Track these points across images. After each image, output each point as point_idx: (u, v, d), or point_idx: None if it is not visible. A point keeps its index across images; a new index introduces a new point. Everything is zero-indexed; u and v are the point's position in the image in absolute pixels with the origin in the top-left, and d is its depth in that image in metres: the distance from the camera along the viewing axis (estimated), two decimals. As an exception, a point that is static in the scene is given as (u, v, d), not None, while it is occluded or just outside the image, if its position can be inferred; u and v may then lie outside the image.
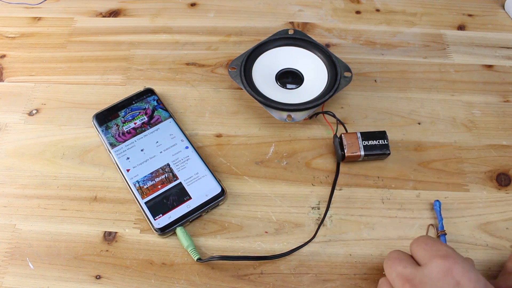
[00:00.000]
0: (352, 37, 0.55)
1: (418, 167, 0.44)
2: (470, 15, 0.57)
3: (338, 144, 0.43)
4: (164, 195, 0.41)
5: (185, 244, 0.39)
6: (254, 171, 0.44)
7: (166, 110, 0.47)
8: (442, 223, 0.40)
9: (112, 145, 0.45)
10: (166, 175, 0.43)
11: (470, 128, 0.47)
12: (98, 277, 0.39)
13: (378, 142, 0.43)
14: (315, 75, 0.48)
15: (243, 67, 0.47)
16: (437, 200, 0.41)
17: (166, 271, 0.39)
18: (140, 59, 0.53)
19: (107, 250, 0.40)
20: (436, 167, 0.44)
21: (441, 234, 0.39)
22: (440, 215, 0.40)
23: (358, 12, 0.57)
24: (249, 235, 0.41)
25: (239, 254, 0.40)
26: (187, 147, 0.44)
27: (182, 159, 0.44)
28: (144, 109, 0.47)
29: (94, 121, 0.47)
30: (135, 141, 0.45)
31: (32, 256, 0.40)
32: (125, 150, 0.44)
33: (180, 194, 0.41)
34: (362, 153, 0.43)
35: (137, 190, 0.42)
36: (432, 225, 0.41)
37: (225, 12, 0.57)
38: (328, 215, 0.42)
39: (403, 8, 0.58)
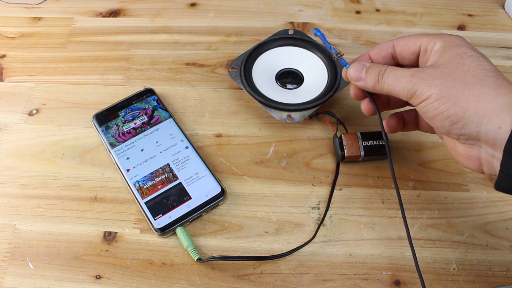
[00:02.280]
0: (352, 37, 0.55)
1: (418, 167, 0.44)
2: (470, 15, 0.57)
3: (338, 144, 0.43)
4: (164, 195, 0.41)
5: (185, 244, 0.39)
6: (254, 171, 0.44)
7: (166, 110, 0.47)
8: (332, 47, 0.39)
9: (112, 145, 0.45)
10: (166, 175, 0.43)
11: (470, 128, 0.47)
12: (98, 277, 0.39)
13: (378, 142, 0.43)
14: (315, 75, 0.48)
15: (243, 67, 0.47)
16: (314, 28, 0.39)
17: (166, 271, 0.39)
18: (140, 59, 0.53)
19: (107, 250, 0.40)
20: (436, 167, 0.44)
21: (340, 57, 0.38)
22: (326, 40, 0.39)
23: (358, 12, 0.57)
24: (249, 235, 0.41)
25: (239, 254, 0.40)
26: (187, 147, 0.44)
27: (182, 159, 0.44)
28: (144, 109, 0.47)
29: (94, 121, 0.47)
30: (135, 141, 0.45)
31: (32, 256, 0.40)
32: (125, 150, 0.44)
33: (180, 194, 0.41)
34: (362, 153, 0.43)
35: (137, 190, 0.42)
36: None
37: (225, 12, 0.57)
38: (328, 215, 0.42)
39: (403, 8, 0.58)
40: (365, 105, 0.39)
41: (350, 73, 0.37)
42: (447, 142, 0.35)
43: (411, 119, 0.39)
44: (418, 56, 0.36)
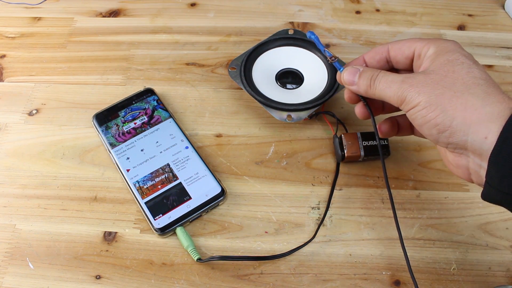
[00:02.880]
0: (352, 37, 0.55)
1: (418, 167, 0.44)
2: (470, 15, 0.57)
3: (338, 144, 0.43)
4: (164, 195, 0.41)
5: (185, 244, 0.39)
6: (254, 171, 0.44)
7: (166, 110, 0.47)
8: (326, 50, 0.39)
9: (112, 145, 0.45)
10: (166, 175, 0.43)
11: (470, 128, 0.47)
12: (98, 277, 0.39)
13: (378, 142, 0.43)
14: (315, 75, 0.48)
15: (243, 67, 0.47)
16: (309, 31, 0.40)
17: (166, 271, 0.39)
18: (140, 59, 0.53)
19: (107, 250, 0.40)
20: (436, 167, 0.44)
21: (334, 61, 0.38)
22: (321, 43, 0.40)
23: (358, 12, 0.57)
24: (249, 235, 0.41)
25: (239, 254, 0.40)
26: (187, 147, 0.44)
27: (182, 159, 0.44)
28: (144, 109, 0.47)
29: (94, 121, 0.47)
30: (135, 141, 0.45)
31: (32, 256, 0.40)
32: (125, 150, 0.44)
33: (180, 194, 0.41)
34: (362, 153, 0.43)
35: (137, 190, 0.42)
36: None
37: (225, 12, 0.57)
38: (328, 215, 0.42)
39: (403, 8, 0.58)
40: (359, 109, 0.38)
41: (343, 77, 0.37)
42: (439, 149, 0.35)
43: (405, 124, 0.39)
44: (412, 60, 0.35)
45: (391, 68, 0.38)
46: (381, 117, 0.41)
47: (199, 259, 0.38)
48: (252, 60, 0.48)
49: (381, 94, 0.34)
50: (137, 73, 0.52)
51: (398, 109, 0.39)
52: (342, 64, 0.39)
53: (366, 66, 0.37)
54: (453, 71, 0.31)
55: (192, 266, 0.39)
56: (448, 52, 0.32)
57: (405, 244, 0.40)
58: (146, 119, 0.46)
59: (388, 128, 0.39)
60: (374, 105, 0.39)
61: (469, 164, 0.31)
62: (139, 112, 0.47)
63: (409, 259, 0.39)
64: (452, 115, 0.30)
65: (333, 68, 0.47)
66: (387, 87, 0.33)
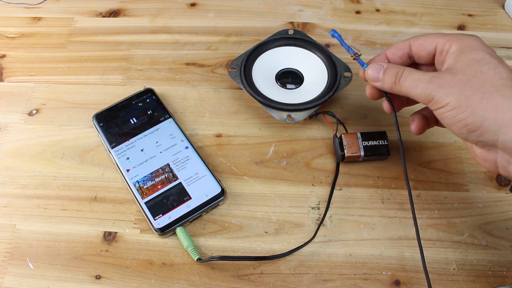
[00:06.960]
0: (352, 37, 0.55)
1: (418, 167, 0.44)
2: (470, 15, 0.57)
3: (338, 144, 0.43)
4: (164, 195, 0.41)
5: (185, 244, 0.39)
6: (254, 171, 0.44)
7: (166, 110, 0.47)
8: (350, 48, 0.39)
9: (112, 145, 0.45)
10: (166, 175, 0.43)
11: (470, 128, 0.47)
12: (98, 277, 0.39)
13: (378, 142, 0.43)
14: (315, 75, 0.48)
15: (243, 67, 0.47)
16: (332, 30, 0.40)
17: (166, 271, 0.39)
18: (140, 59, 0.53)
19: (107, 250, 0.40)
20: (436, 167, 0.44)
21: (357, 57, 0.39)
22: (343, 41, 0.40)
23: (358, 12, 0.57)
24: (249, 235, 0.41)
25: (239, 254, 0.40)
26: (187, 147, 0.44)
27: (182, 159, 0.44)
28: (144, 109, 0.47)
29: (94, 121, 0.47)
30: (135, 141, 0.45)
31: (32, 256, 0.40)
32: (125, 150, 0.44)
33: (180, 194, 0.41)
34: (362, 153, 0.43)
35: (137, 190, 0.42)
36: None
37: (225, 12, 0.57)
38: (328, 215, 0.42)
39: (403, 8, 0.58)
40: (386, 104, 0.39)
41: (368, 73, 0.37)
42: (466, 144, 0.36)
43: (432, 117, 0.39)
44: (434, 56, 0.36)
45: (412, 63, 0.38)
46: (406, 111, 0.41)
47: (199, 259, 0.38)
48: (252, 60, 0.48)
49: (407, 91, 0.34)
50: (137, 73, 0.52)
51: None
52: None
53: (389, 62, 0.38)
54: (481, 72, 0.32)
55: (192, 266, 0.39)
56: (472, 50, 0.33)
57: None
58: (146, 119, 0.46)
59: (421, 125, 0.39)
60: (398, 99, 0.39)
61: (498, 159, 0.32)
62: (139, 112, 0.47)
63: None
64: (483, 116, 0.31)
65: (333, 68, 0.47)
66: (414, 86, 0.34)
